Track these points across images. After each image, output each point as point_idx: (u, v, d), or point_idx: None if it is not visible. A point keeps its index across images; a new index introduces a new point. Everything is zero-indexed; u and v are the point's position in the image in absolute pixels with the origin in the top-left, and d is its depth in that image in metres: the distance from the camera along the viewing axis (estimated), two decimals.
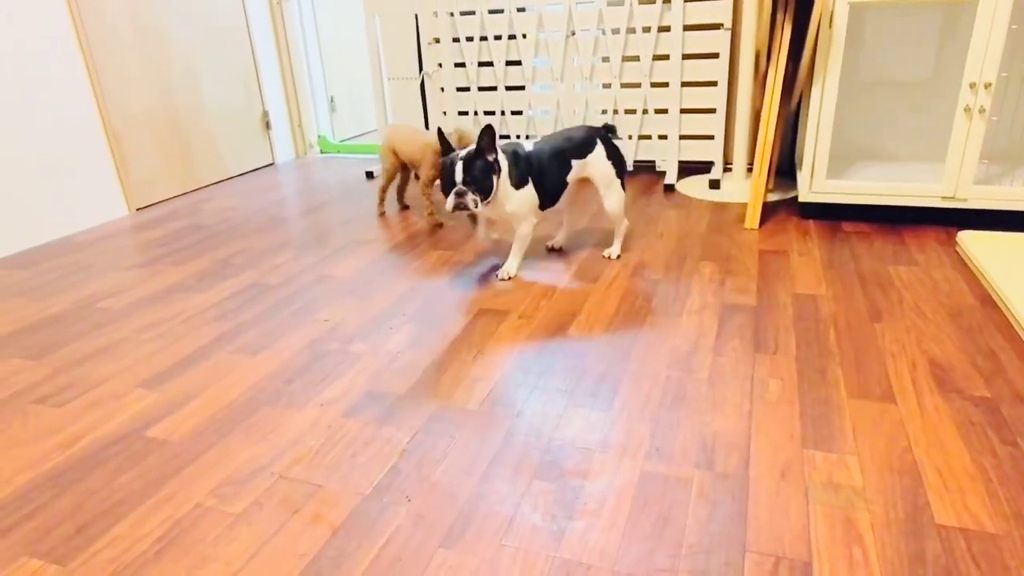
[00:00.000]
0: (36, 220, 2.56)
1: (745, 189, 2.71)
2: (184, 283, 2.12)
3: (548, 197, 2.00)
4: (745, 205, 2.52)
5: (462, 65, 3.19)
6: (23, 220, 2.51)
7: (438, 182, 2.03)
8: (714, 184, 2.81)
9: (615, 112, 3.02)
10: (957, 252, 2.02)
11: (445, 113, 3.31)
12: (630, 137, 3.04)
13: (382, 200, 2.74)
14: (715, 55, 2.78)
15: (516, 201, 1.92)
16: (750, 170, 2.83)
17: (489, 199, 1.84)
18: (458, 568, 0.99)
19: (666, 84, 2.89)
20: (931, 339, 1.55)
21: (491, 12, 3.03)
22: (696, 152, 2.97)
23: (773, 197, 2.62)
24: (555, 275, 2.03)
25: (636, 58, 2.90)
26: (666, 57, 2.85)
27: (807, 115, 2.28)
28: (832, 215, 2.36)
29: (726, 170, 2.96)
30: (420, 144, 2.51)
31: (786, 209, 2.49)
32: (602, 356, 1.56)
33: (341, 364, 1.59)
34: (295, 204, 2.96)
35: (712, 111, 2.88)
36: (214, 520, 1.11)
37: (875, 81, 2.55)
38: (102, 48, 2.77)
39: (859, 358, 1.49)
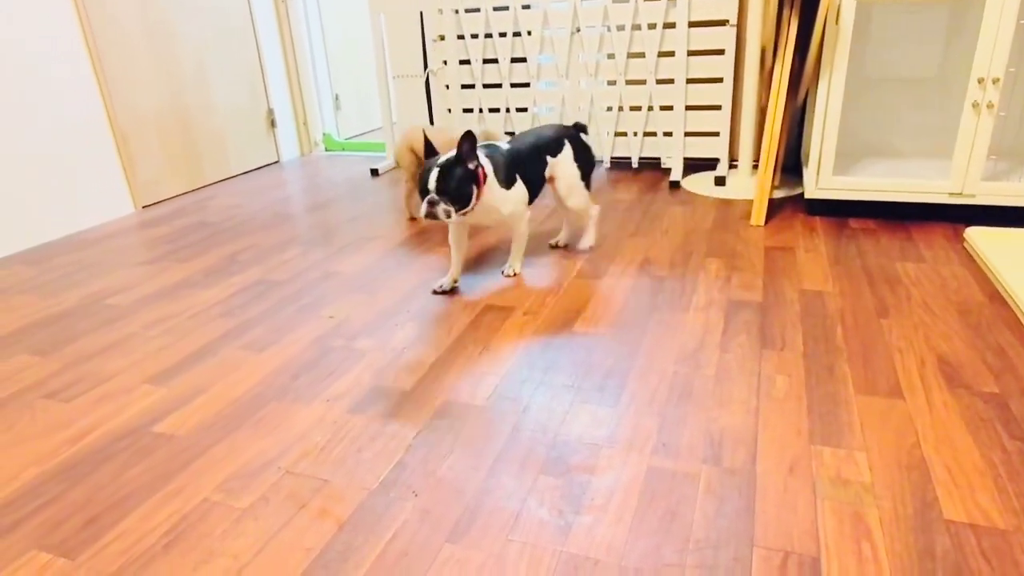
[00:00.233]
0: (44, 218, 2.57)
1: (751, 186, 2.70)
2: (191, 280, 2.12)
3: (532, 193, 1.97)
4: (751, 202, 2.52)
5: (467, 62, 3.19)
6: (31, 217, 2.52)
7: None
8: (719, 181, 2.80)
9: (620, 109, 3.02)
10: (965, 248, 2.01)
11: (450, 110, 3.31)
12: (635, 134, 3.03)
13: (409, 205, 2.61)
14: (720, 51, 2.77)
15: (511, 202, 1.88)
16: (756, 167, 2.82)
17: (468, 208, 1.77)
18: (465, 562, 0.99)
19: (671, 81, 2.88)
20: (939, 335, 1.54)
21: (496, 9, 3.03)
22: (701, 149, 2.96)
23: (779, 194, 2.61)
24: (560, 272, 2.03)
25: (641, 55, 2.90)
26: (671, 53, 2.84)
27: (813, 111, 2.28)
28: (838, 212, 2.35)
29: (731, 167, 2.95)
30: (445, 140, 2.45)
31: (792, 206, 2.49)
32: (608, 352, 1.55)
33: (347, 360, 1.59)
34: (300, 201, 2.96)
35: (717, 108, 2.87)
36: (221, 514, 1.12)
37: (881, 78, 2.54)
38: (109, 47, 2.78)
39: (867, 354, 1.48)
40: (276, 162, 3.76)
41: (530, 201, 1.98)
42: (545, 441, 1.26)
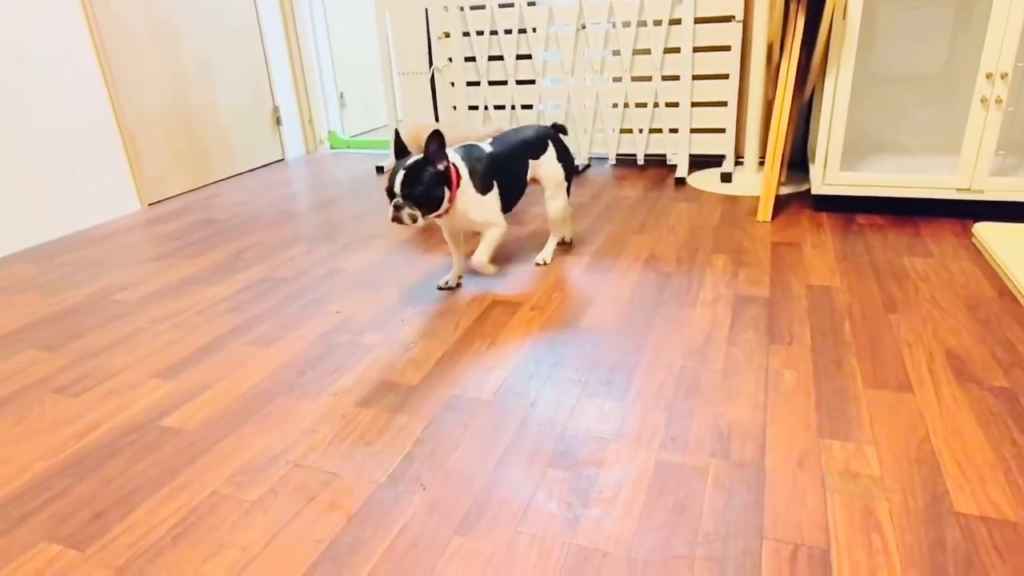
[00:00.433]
0: (50, 215, 2.58)
1: (757, 182, 2.70)
2: (198, 276, 2.13)
3: (510, 200, 1.90)
4: (757, 198, 2.51)
5: (472, 59, 3.19)
6: (37, 215, 2.53)
7: None
8: (725, 177, 2.79)
9: (626, 105, 3.01)
10: (973, 244, 2.00)
11: (455, 108, 3.31)
12: (641, 131, 3.03)
13: None
14: (726, 48, 2.77)
15: (485, 209, 1.79)
16: (762, 164, 2.82)
17: (438, 212, 1.70)
18: (474, 554, 0.99)
19: (677, 77, 2.88)
20: (948, 330, 1.53)
21: (501, 6, 3.03)
22: (707, 146, 2.95)
23: (785, 190, 2.61)
24: (566, 267, 2.02)
25: (647, 51, 2.89)
26: (677, 50, 2.83)
27: (820, 107, 2.27)
28: (845, 208, 2.34)
29: (737, 164, 2.95)
30: (450, 138, 2.45)
31: (798, 202, 2.48)
32: (615, 347, 1.55)
33: (354, 355, 1.59)
34: (306, 199, 2.97)
35: (723, 104, 2.86)
36: (230, 507, 1.12)
37: (888, 75, 2.53)
38: (115, 46, 2.78)
39: (875, 348, 1.48)
40: (281, 160, 3.77)
41: (511, 206, 1.91)
42: (553, 435, 1.25)
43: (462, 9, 3.10)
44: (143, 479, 1.20)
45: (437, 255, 2.18)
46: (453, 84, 3.27)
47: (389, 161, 3.39)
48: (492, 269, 1.94)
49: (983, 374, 1.36)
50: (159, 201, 3.04)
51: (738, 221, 2.33)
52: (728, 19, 2.73)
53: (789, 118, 2.40)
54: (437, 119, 3.44)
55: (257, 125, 3.59)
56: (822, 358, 1.45)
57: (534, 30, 3.02)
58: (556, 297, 1.83)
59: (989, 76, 1.99)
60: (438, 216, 1.73)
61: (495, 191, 1.82)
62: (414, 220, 1.66)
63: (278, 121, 3.72)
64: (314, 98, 3.91)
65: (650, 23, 2.82)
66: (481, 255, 1.87)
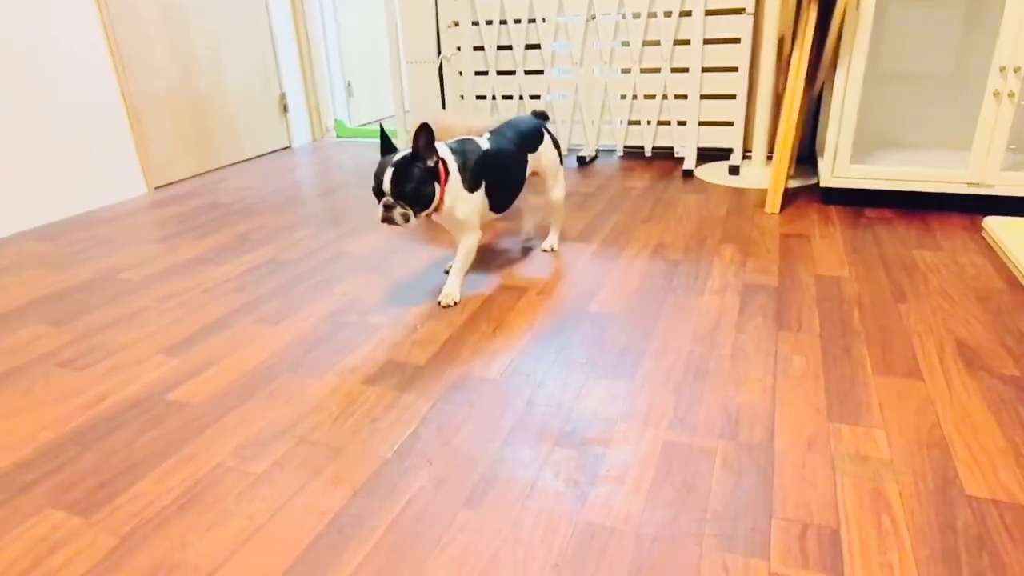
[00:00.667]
0: (58, 195, 2.57)
1: (764, 176, 2.69)
2: (204, 256, 2.12)
3: (505, 200, 1.81)
4: (764, 191, 2.50)
5: (481, 49, 3.18)
6: (45, 195, 2.53)
7: None
8: (733, 170, 2.78)
9: (634, 97, 3.00)
10: (983, 238, 1.99)
11: (463, 97, 3.31)
12: (649, 122, 3.02)
13: None
14: (736, 40, 2.76)
15: (467, 207, 1.68)
16: (770, 158, 2.81)
17: (429, 210, 1.61)
18: (481, 527, 0.98)
19: (686, 69, 2.87)
20: (958, 320, 1.52)
21: None
22: (715, 138, 2.94)
23: (793, 184, 2.60)
24: (573, 254, 2.02)
25: (656, 42, 2.88)
26: (687, 42, 2.82)
27: (830, 101, 2.26)
28: (854, 201, 2.33)
29: (745, 157, 2.93)
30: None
31: (806, 196, 2.47)
32: (623, 331, 1.55)
33: (360, 335, 1.58)
34: (312, 185, 2.96)
35: (732, 97, 2.85)
36: (235, 479, 1.11)
37: (897, 71, 2.51)
38: (126, 29, 2.78)
39: (884, 337, 1.47)
40: (287, 147, 3.76)
41: (501, 209, 1.81)
42: (560, 415, 1.25)
43: None
44: (149, 451, 1.20)
45: (442, 240, 2.17)
46: (461, 73, 3.26)
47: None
48: (456, 299, 1.73)
49: (993, 363, 1.35)
50: (165, 184, 3.04)
51: (746, 213, 2.32)
52: (739, 11, 2.72)
53: (799, 111, 2.39)
54: (444, 108, 3.43)
55: (264, 112, 3.59)
56: (831, 345, 1.44)
57: (544, 20, 3.01)
58: (563, 283, 1.82)
59: (1003, 70, 1.98)
60: (428, 214, 1.64)
61: (481, 190, 1.71)
62: (406, 220, 1.56)
63: (285, 108, 3.71)
64: (321, 86, 3.90)
65: (660, 14, 2.81)
66: (452, 286, 1.73)
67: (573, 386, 1.34)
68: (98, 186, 2.73)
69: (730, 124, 2.90)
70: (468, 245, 1.74)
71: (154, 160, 2.97)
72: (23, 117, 2.43)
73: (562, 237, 2.15)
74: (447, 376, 1.39)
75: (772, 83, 2.66)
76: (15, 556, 0.98)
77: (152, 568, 0.94)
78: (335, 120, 4.01)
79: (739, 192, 2.57)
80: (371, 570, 0.92)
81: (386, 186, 1.54)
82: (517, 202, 1.93)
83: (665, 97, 2.95)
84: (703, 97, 2.89)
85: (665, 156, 3.14)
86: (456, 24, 3.18)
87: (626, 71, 2.99)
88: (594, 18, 2.93)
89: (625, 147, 3.14)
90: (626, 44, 2.94)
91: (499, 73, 3.19)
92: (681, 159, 3.04)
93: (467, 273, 1.80)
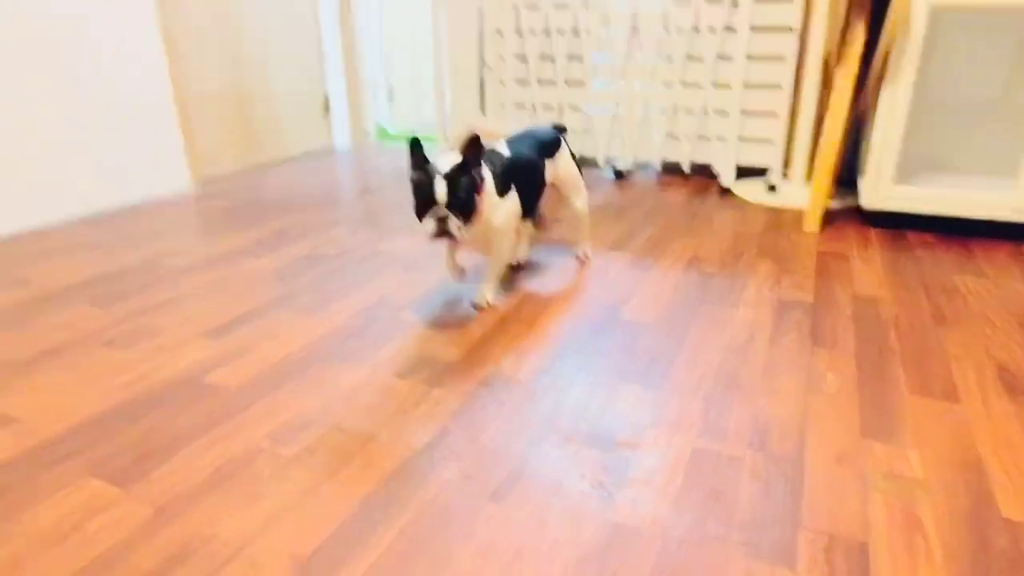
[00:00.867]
0: (108, 185, 2.66)
1: (803, 195, 2.66)
2: (244, 248, 2.18)
3: (531, 203, 1.79)
4: (802, 211, 2.48)
5: (523, 59, 3.21)
6: (96, 184, 2.61)
7: None
8: (771, 188, 2.76)
9: (674, 112, 3.00)
10: None
11: (503, 106, 3.34)
12: (687, 138, 3.01)
13: None
14: (780, 58, 2.75)
15: (503, 213, 1.65)
16: (810, 177, 2.78)
17: (472, 223, 1.56)
18: (507, 520, 0.99)
19: (728, 85, 2.86)
20: (999, 346, 1.49)
21: (556, 7, 3.05)
22: (754, 156, 2.92)
23: (833, 205, 2.57)
24: (606, 264, 2.02)
25: (699, 58, 2.88)
26: (729, 58, 2.82)
27: (875, 121, 2.23)
28: (896, 224, 2.30)
29: (783, 176, 2.91)
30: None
31: (846, 217, 2.44)
32: (654, 339, 1.54)
33: (393, 329, 1.61)
34: (351, 186, 3.01)
35: (773, 115, 2.83)
36: (268, 460, 1.14)
37: (944, 92, 2.48)
38: (180, 29, 2.87)
39: (921, 358, 1.44)
40: (329, 148, 3.83)
41: (533, 210, 1.82)
42: (588, 418, 1.25)
43: (516, 7, 3.13)
44: (186, 429, 1.23)
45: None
46: (503, 82, 3.30)
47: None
48: (490, 300, 1.75)
49: None
50: (211, 178, 3.12)
51: (784, 230, 2.30)
52: (785, 29, 2.71)
53: (843, 130, 2.36)
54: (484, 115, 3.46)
55: (308, 113, 3.67)
56: (866, 363, 1.42)
57: (588, 32, 3.03)
58: (596, 290, 1.83)
59: None
60: (469, 228, 1.57)
61: (514, 194, 1.69)
62: (459, 231, 1.51)
63: (327, 110, 3.79)
64: (364, 91, 3.98)
65: (704, 30, 2.81)
66: (488, 293, 1.73)
67: (602, 390, 1.34)
68: (147, 178, 2.81)
69: (770, 142, 2.88)
70: (503, 248, 1.73)
71: (200, 154, 3.05)
72: (79, 110, 2.52)
73: (595, 246, 2.15)
74: (477, 374, 1.41)
75: (815, 102, 2.64)
76: (55, 519, 1.01)
77: (184, 540, 0.97)
78: (377, 125, 4.08)
79: (776, 210, 2.55)
80: (396, 555, 0.94)
81: (440, 196, 1.47)
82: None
83: (705, 112, 2.95)
84: (743, 114, 2.88)
85: (702, 172, 3.13)
86: (500, 34, 3.22)
87: (667, 85, 2.99)
88: (638, 31, 2.95)
89: (663, 162, 3.14)
90: (669, 59, 2.94)
91: (539, 82, 3.22)
92: (718, 175, 3.03)
93: (501, 279, 1.81)
